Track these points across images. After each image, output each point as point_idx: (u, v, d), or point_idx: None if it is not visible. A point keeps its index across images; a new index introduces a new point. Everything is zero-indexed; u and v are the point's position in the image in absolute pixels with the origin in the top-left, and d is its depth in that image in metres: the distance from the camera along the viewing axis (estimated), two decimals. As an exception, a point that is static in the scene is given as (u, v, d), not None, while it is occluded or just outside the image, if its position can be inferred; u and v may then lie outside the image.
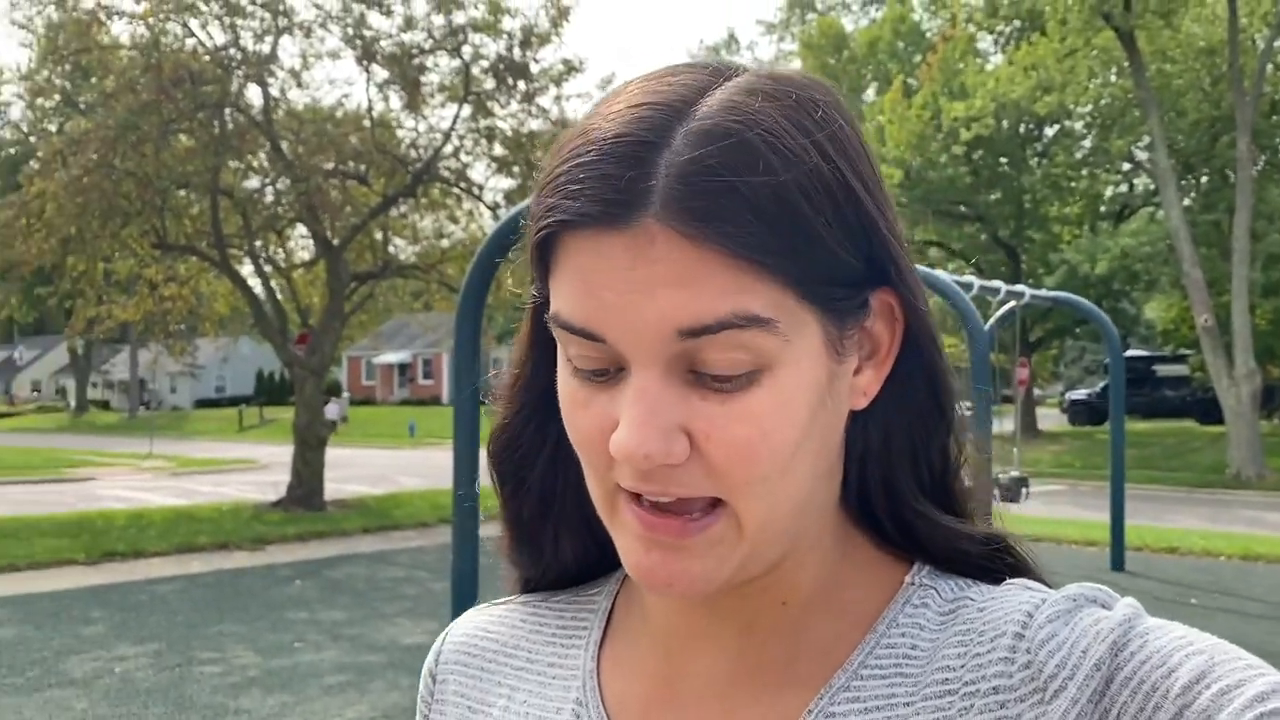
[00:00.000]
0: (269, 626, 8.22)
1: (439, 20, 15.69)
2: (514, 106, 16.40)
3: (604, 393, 0.56)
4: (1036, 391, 36.89)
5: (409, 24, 15.76)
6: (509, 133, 16.35)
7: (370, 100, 18.01)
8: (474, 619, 0.77)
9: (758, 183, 0.53)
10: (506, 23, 15.88)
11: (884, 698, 0.60)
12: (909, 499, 0.64)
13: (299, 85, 16.21)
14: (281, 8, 15.47)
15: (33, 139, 19.16)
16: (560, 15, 15.82)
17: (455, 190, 17.53)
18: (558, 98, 17.23)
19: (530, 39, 15.79)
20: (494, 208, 17.11)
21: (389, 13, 15.60)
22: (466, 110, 16.19)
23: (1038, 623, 0.57)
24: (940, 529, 0.64)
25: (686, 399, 0.55)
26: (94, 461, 27.92)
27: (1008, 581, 0.63)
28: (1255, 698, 0.50)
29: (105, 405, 60.53)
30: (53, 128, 17.02)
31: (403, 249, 19.56)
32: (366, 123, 16.30)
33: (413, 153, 16.63)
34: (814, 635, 0.64)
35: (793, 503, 0.58)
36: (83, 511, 15.60)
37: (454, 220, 18.50)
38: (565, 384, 0.59)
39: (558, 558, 0.73)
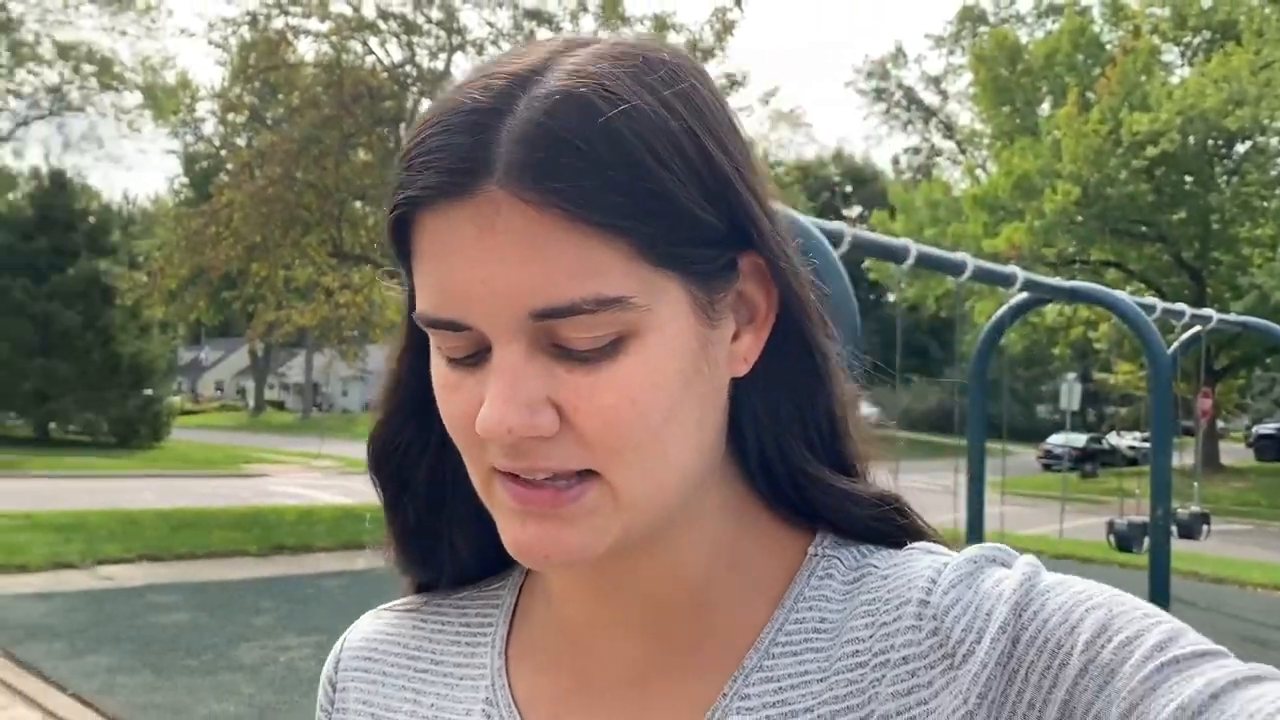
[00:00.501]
0: (425, 626, 8.36)
1: (606, 35, 15.88)
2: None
3: (473, 375, 0.56)
4: (1220, 424, 34.83)
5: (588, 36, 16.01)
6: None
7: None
8: (372, 623, 0.75)
9: (598, 140, 0.52)
10: (671, 37, 15.98)
11: (797, 675, 0.60)
12: (801, 463, 0.63)
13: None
14: (456, 26, 15.97)
15: (223, 152, 20.28)
16: (725, 29, 15.81)
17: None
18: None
19: (695, 53, 15.82)
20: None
21: (558, 29, 15.90)
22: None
23: (941, 588, 0.57)
24: (834, 491, 0.64)
25: (551, 371, 0.54)
26: (268, 459, 29.31)
27: (909, 546, 0.64)
28: (1155, 647, 0.51)
29: (281, 406, 63.51)
30: (241, 142, 17.99)
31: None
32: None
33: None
34: (720, 612, 0.63)
35: (671, 471, 0.57)
36: (256, 506, 16.37)
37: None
38: (437, 372, 0.58)
39: (454, 559, 0.71)
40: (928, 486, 21.27)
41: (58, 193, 31.01)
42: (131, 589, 9.67)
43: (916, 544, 0.64)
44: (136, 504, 15.86)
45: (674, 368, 0.55)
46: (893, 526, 0.65)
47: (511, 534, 0.58)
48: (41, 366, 29.62)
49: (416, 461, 0.68)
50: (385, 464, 0.69)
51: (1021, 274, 6.92)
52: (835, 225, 4.77)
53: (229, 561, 11.43)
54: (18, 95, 36.06)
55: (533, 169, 0.52)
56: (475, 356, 0.56)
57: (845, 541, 0.65)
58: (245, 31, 16.59)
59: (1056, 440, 32.94)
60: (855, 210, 54.85)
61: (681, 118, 0.55)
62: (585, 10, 16.06)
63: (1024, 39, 36.47)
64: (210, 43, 16.45)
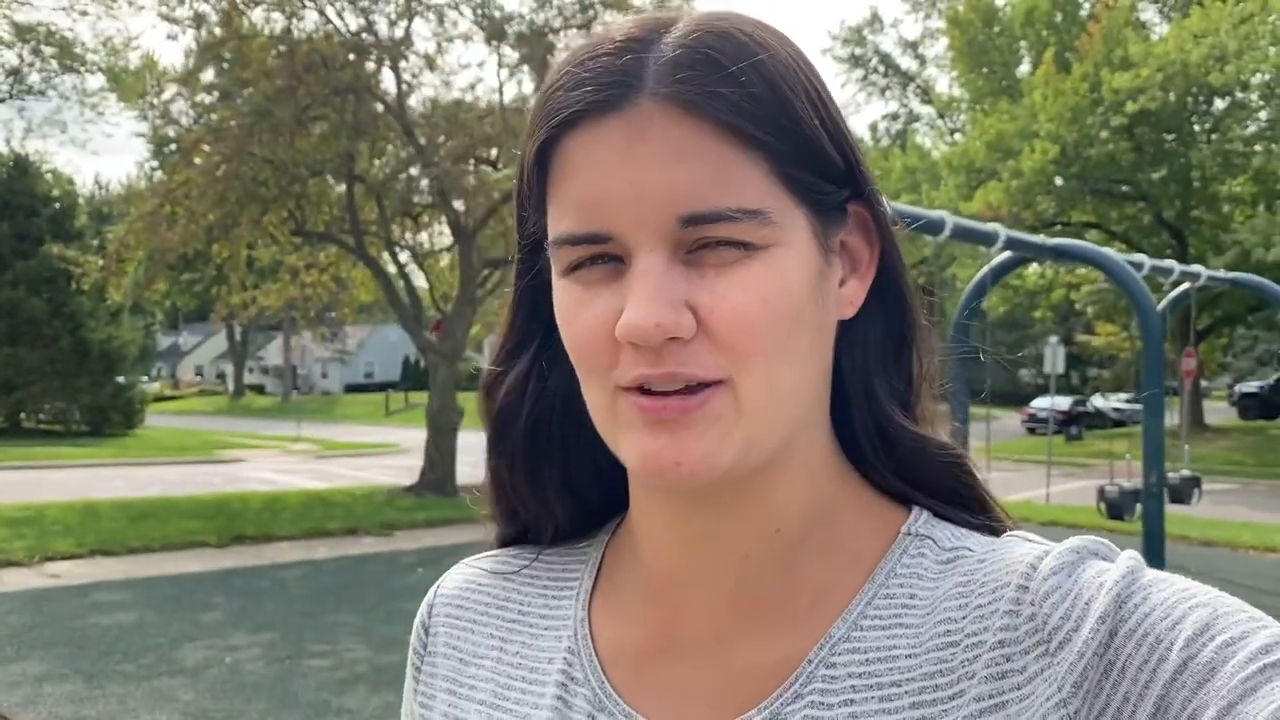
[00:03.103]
0: (384, 618, 7.99)
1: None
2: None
3: (608, 289, 0.58)
4: (1203, 383, 34.68)
5: (541, 2, 15.48)
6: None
7: (501, 82, 17.86)
8: (465, 572, 0.77)
9: (743, 63, 0.57)
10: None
11: (885, 649, 0.60)
12: (885, 407, 0.65)
13: (431, 69, 16.05)
14: (413, -11, 15.39)
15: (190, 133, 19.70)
16: (693, -10, 15.31)
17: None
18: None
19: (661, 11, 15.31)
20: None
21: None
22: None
23: (1041, 574, 0.57)
24: (910, 436, 0.66)
25: (688, 277, 0.57)
26: (245, 444, 28.86)
27: (1007, 534, 0.65)
28: (1259, 649, 0.50)
29: (260, 390, 62.98)
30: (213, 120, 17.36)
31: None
32: (497, 105, 16.11)
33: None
34: (809, 573, 0.64)
35: (790, 388, 0.59)
36: (222, 494, 15.92)
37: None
38: (564, 296, 0.60)
39: (550, 517, 0.73)
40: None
41: (20, 178, 30.36)
42: (76, 587, 9.19)
43: (1014, 532, 0.65)
44: (107, 493, 15.41)
45: (800, 281, 0.58)
46: (960, 484, 0.67)
47: (638, 446, 0.58)
48: (8, 355, 29.10)
49: (513, 420, 0.70)
50: (495, 414, 0.71)
51: (1004, 232, 6.54)
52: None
53: (186, 554, 10.95)
54: (-25, 78, 35.20)
55: (683, 82, 0.56)
56: (607, 272, 0.58)
57: (939, 522, 0.66)
58: (197, 3, 15.98)
59: (1041, 404, 32.74)
60: (834, 178, 54.29)
61: (807, 67, 0.61)
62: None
63: (999, 1, 35.93)
64: (161, 16, 15.77)
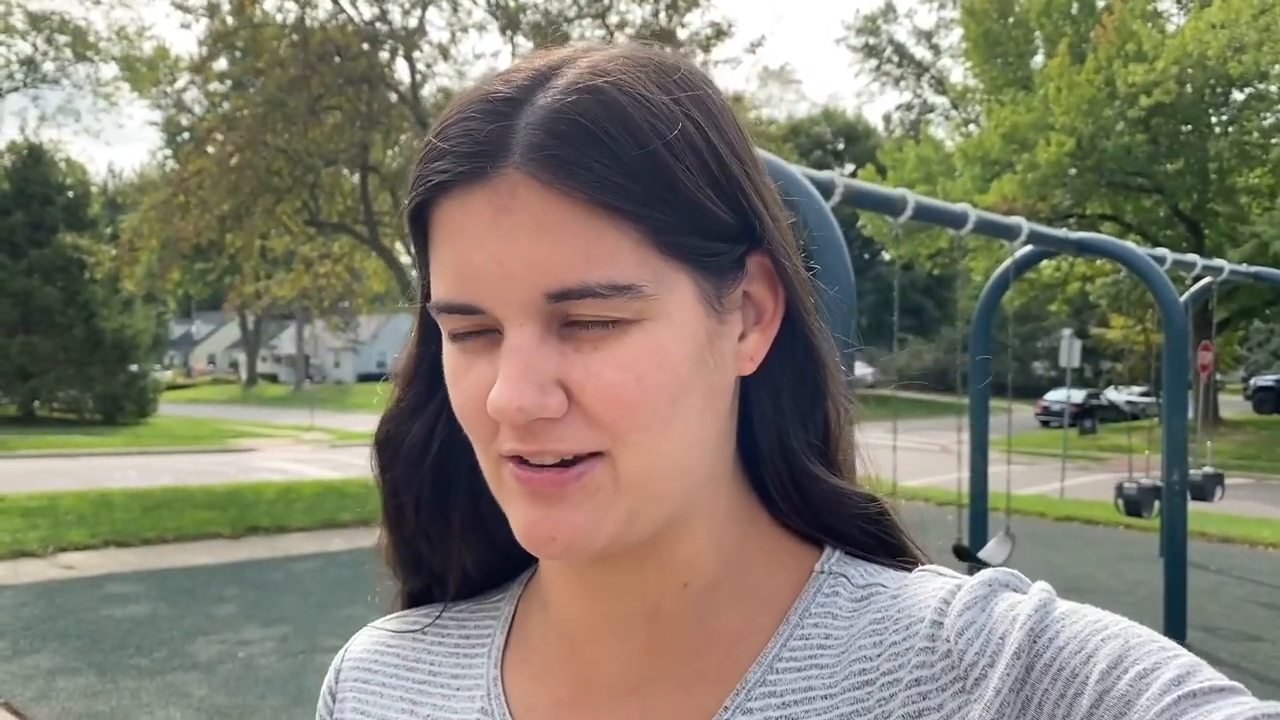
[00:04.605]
0: (399, 611, 7.91)
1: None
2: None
3: (484, 359, 0.57)
4: (1218, 377, 34.44)
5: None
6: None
7: (516, 73, 17.72)
8: (372, 635, 0.75)
9: (614, 128, 0.54)
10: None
11: (801, 690, 0.60)
12: (802, 459, 0.64)
13: (445, 58, 15.97)
14: (427, -21, 15.31)
15: (204, 122, 19.67)
16: (708, -23, 15.19)
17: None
18: (705, 63, 16.59)
19: (678, 2, 15.20)
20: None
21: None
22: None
23: (955, 610, 0.57)
24: (828, 488, 0.64)
25: (561, 353, 0.55)
26: (257, 433, 28.88)
27: (919, 569, 0.64)
28: (1172, 681, 0.51)
29: (273, 379, 63.13)
30: (225, 109, 17.32)
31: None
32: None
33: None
34: (722, 622, 0.63)
35: (676, 460, 0.58)
36: (236, 483, 15.91)
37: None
38: (449, 360, 0.59)
39: (456, 568, 0.71)
40: (921, 446, 20.93)
41: (34, 166, 30.40)
42: (90, 579, 9.17)
43: (927, 567, 0.64)
44: (119, 483, 15.42)
45: (680, 354, 0.57)
46: (881, 530, 0.66)
47: (518, 518, 0.58)
48: (22, 343, 29.16)
49: (420, 460, 0.68)
50: (391, 463, 0.69)
51: (1027, 225, 6.44)
52: (826, 175, 4.41)
53: (199, 545, 10.94)
54: (-10, 67, 35.24)
55: (550, 151, 0.53)
56: (487, 341, 0.57)
57: (852, 560, 0.65)
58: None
59: (1055, 396, 32.55)
60: (848, 169, 54.10)
61: (693, 117, 0.57)
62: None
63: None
64: (174, 4, 15.71)
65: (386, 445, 0.69)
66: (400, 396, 0.69)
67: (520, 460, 0.57)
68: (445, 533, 0.70)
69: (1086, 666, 0.52)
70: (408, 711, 0.69)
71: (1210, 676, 0.51)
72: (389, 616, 0.76)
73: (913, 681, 0.56)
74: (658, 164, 0.54)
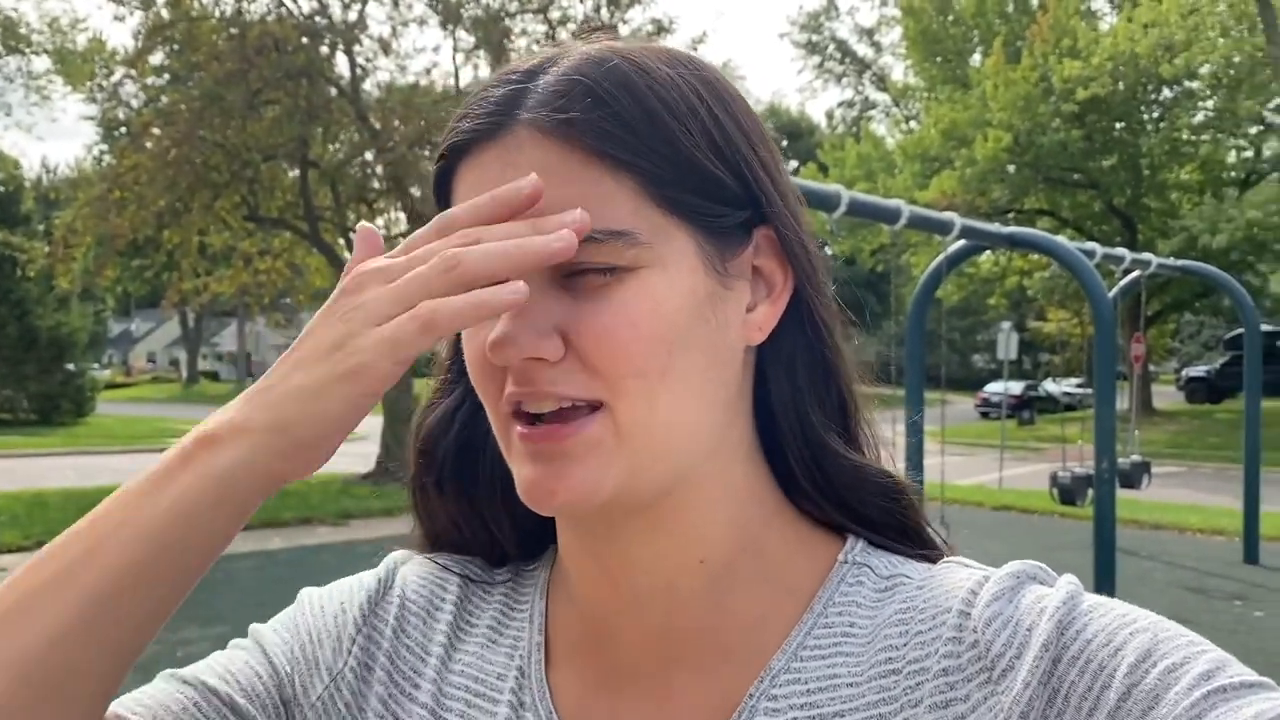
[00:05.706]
0: (341, 608, 7.89)
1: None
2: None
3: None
4: (1152, 369, 35.25)
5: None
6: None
7: (457, 67, 17.70)
8: (429, 565, 0.75)
9: (615, 89, 0.57)
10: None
11: (826, 678, 0.60)
12: (820, 434, 0.64)
13: (386, 53, 15.87)
14: (367, -26, 15.20)
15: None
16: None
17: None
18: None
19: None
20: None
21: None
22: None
23: (982, 601, 0.57)
24: (848, 464, 0.64)
25: (560, 301, 0.57)
26: (197, 432, 28.41)
27: (944, 560, 0.65)
28: (1201, 675, 0.50)
29: (215, 377, 62.19)
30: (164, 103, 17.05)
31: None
32: (453, 90, 15.97)
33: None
34: (741, 605, 0.63)
35: (676, 413, 0.58)
36: (175, 483, 15.65)
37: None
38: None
39: (486, 533, 0.72)
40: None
41: (-39, 161, 29.74)
42: (25, 580, 9.03)
43: (950, 559, 0.65)
44: (56, 483, 15.12)
45: (676, 304, 0.58)
46: (898, 513, 0.66)
47: (521, 475, 0.59)
48: (-49, 343, 28.50)
49: (446, 430, 0.70)
50: (424, 437, 0.71)
51: (959, 221, 6.58)
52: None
53: (138, 545, 10.78)
54: (-86, 60, 34.30)
55: (554, 108, 0.57)
56: None
57: (875, 551, 0.65)
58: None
59: (994, 388, 33.14)
60: (791, 165, 54.47)
61: (696, 89, 0.60)
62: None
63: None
64: (107, -4, 15.45)
65: (420, 433, 0.72)
66: (436, 384, 0.72)
67: (525, 418, 0.58)
68: (472, 509, 0.71)
69: (1114, 659, 0.53)
70: (443, 646, 0.69)
71: (1240, 672, 0.51)
72: (440, 555, 0.75)
73: (940, 671, 0.57)
74: (656, 121, 0.57)
